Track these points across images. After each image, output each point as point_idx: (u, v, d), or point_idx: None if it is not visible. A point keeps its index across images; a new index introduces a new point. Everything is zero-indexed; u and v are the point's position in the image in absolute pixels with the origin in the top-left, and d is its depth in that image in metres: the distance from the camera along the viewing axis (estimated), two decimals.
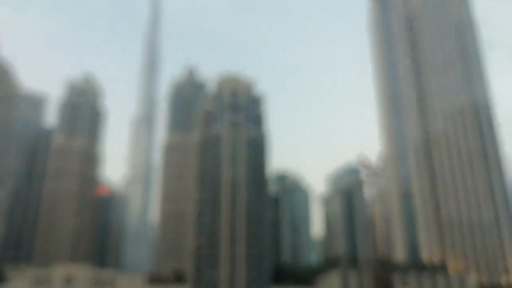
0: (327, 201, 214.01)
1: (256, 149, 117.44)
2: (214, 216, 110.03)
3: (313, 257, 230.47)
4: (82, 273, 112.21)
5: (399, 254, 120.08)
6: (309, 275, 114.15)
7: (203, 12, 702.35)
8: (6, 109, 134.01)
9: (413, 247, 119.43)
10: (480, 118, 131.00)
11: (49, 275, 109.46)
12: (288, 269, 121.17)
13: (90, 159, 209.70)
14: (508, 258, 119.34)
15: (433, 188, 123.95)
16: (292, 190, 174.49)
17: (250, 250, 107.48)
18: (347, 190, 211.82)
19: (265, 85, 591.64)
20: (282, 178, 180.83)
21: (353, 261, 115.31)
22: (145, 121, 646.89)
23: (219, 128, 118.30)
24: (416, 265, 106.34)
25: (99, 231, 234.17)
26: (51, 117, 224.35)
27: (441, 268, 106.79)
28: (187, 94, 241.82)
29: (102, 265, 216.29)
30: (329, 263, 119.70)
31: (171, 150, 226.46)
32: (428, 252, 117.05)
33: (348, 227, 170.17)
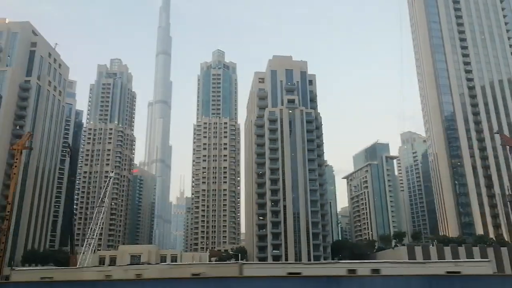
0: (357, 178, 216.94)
1: (312, 129, 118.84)
2: (275, 195, 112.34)
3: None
4: (148, 250, 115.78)
5: (452, 230, 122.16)
6: (365, 250, 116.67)
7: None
8: (60, 96, 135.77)
9: (467, 223, 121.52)
10: None
11: (118, 255, 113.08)
12: (343, 244, 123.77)
13: (126, 141, 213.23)
14: None
15: (485, 164, 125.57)
16: None
17: (310, 227, 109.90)
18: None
19: None
20: None
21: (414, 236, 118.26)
22: (162, 103, 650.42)
23: (276, 109, 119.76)
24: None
25: (132, 211, 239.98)
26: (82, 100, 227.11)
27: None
28: (217, 77, 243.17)
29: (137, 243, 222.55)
30: (383, 239, 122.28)
31: (201, 131, 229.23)
32: (481, 228, 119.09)
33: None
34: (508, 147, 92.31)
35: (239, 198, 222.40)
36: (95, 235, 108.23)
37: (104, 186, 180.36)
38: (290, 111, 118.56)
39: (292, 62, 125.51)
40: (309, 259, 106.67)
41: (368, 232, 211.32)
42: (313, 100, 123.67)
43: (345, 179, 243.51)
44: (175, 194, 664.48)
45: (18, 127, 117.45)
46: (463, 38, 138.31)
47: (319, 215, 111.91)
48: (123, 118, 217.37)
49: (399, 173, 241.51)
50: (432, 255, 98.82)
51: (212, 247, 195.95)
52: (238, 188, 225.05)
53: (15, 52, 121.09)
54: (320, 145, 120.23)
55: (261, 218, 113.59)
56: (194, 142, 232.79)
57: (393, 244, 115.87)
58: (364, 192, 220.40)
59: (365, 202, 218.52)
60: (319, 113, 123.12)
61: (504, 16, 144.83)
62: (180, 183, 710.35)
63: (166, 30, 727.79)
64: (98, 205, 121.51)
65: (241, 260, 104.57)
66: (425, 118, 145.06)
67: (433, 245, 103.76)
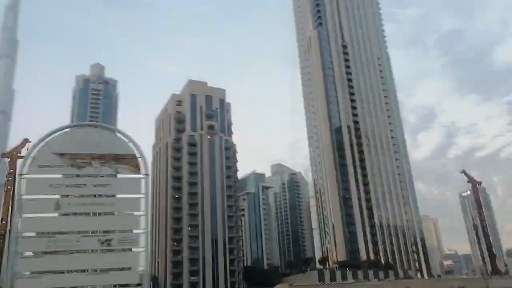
0: None
1: (230, 156, 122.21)
2: (194, 220, 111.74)
3: None
4: None
5: (340, 256, 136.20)
6: (273, 275, 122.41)
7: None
8: None
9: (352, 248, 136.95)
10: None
11: None
12: (253, 270, 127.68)
13: None
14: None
15: (367, 199, 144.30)
16: None
17: (228, 253, 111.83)
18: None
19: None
20: None
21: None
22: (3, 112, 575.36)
23: (196, 133, 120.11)
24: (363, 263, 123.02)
25: None
26: None
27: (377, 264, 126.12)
28: (97, 92, 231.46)
29: None
30: (288, 265, 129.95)
31: None
32: (365, 252, 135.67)
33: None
34: None
35: None
36: None
37: None
38: (209, 137, 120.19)
39: (211, 89, 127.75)
40: (226, 286, 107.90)
41: (243, 260, 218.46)
42: (229, 128, 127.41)
43: None
44: None
45: None
46: (351, 86, 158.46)
47: (235, 241, 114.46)
48: None
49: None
50: (338, 278, 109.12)
51: None
52: None
53: None
54: (235, 173, 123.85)
55: (175, 244, 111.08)
56: None
57: (301, 269, 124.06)
58: (241, 219, 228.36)
59: (242, 230, 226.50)
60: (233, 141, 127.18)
61: (381, 71, 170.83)
62: None
63: (12, 31, 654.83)
64: None
65: None
66: (313, 156, 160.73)
67: (337, 269, 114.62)
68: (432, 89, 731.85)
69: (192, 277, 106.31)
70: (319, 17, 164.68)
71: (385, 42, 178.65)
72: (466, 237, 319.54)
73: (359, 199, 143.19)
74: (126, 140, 61.09)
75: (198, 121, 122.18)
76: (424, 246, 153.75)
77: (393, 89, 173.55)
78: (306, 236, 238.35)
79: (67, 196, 56.43)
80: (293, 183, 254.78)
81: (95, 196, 57.78)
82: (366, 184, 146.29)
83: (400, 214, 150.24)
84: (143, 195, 58.17)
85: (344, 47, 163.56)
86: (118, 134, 63.36)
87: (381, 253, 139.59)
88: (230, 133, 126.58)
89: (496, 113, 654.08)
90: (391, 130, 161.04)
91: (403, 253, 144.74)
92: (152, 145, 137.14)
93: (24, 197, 53.43)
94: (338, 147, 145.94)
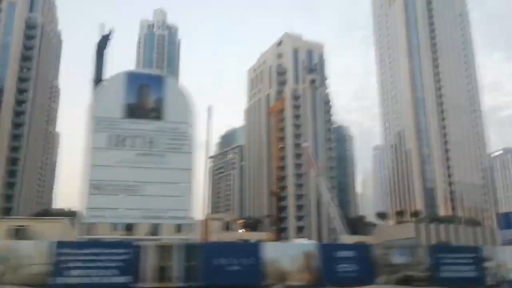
0: None
1: (329, 110, 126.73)
2: (299, 169, 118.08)
3: None
4: None
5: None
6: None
7: None
8: None
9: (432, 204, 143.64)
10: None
11: None
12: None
13: None
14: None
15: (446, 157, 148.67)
16: None
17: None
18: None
19: None
20: None
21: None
22: None
23: (299, 86, 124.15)
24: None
25: None
26: None
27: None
28: (162, 38, 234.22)
29: None
30: (380, 216, 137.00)
31: None
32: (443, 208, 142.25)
33: None
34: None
35: None
36: None
37: None
38: (313, 92, 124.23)
39: (312, 43, 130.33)
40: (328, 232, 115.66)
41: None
42: (325, 82, 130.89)
43: None
44: None
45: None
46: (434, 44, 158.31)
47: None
48: None
49: None
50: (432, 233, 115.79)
51: None
52: None
53: None
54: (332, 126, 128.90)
55: (279, 190, 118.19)
56: None
57: (393, 220, 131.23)
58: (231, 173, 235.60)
59: None
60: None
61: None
62: None
63: None
64: None
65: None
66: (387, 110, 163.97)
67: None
68: None
69: (298, 222, 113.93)
70: None
71: None
72: None
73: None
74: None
75: (300, 75, 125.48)
76: None
77: (471, 49, 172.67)
78: None
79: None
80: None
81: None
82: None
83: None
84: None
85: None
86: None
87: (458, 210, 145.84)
88: (326, 87, 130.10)
89: None
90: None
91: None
92: (249, 96, 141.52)
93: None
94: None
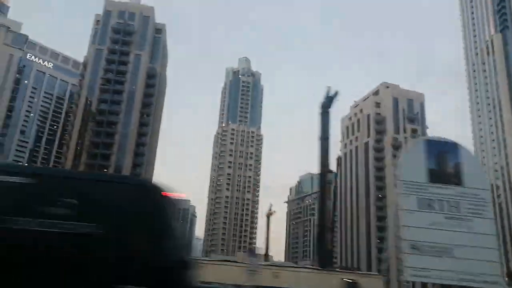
0: None
1: None
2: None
3: None
4: None
5: None
6: None
7: None
8: None
9: None
10: None
11: None
12: None
13: None
14: None
15: None
16: None
17: None
18: None
19: None
20: None
21: None
22: None
23: (399, 136, 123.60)
24: None
25: None
26: None
27: None
28: (247, 84, 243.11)
29: None
30: None
31: (228, 137, 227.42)
32: None
33: None
34: None
35: (257, 208, 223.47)
36: None
37: None
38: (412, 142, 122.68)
39: (412, 92, 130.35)
40: None
41: None
42: (425, 132, 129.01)
43: None
44: None
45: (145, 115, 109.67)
46: None
47: None
48: None
49: None
50: None
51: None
52: (257, 198, 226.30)
53: (147, 36, 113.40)
54: None
55: (379, 241, 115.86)
56: (218, 147, 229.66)
57: None
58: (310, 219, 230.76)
59: None
60: None
61: None
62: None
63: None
64: None
65: None
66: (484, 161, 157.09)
67: None
68: None
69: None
70: (505, 20, 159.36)
71: None
72: None
73: None
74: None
75: (401, 124, 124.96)
76: None
77: None
78: None
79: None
80: None
81: None
82: None
83: None
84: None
85: None
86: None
87: None
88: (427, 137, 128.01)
89: None
90: None
91: None
92: (343, 143, 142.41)
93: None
94: None
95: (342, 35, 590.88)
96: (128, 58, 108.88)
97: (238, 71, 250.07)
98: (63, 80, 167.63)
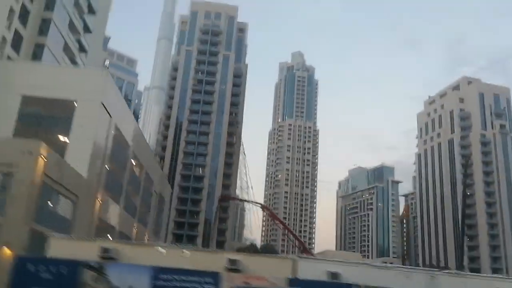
0: None
1: None
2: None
3: None
4: None
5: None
6: None
7: None
8: None
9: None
10: None
11: None
12: None
13: None
14: None
15: None
16: None
17: None
18: None
19: None
20: None
21: None
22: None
23: (486, 132, 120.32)
24: None
25: None
26: None
27: None
28: (302, 79, 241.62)
29: None
30: None
31: (285, 132, 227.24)
32: None
33: None
34: None
35: (315, 203, 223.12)
36: None
37: None
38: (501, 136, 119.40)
39: (497, 87, 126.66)
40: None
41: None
42: None
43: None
44: None
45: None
46: None
47: None
48: None
49: None
50: None
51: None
52: (315, 193, 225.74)
53: (233, 36, 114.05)
54: None
55: (468, 239, 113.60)
56: (274, 143, 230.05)
57: None
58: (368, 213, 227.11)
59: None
60: None
61: None
62: None
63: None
64: None
65: None
66: None
67: None
68: None
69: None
70: None
71: None
72: None
73: None
74: None
75: (489, 120, 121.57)
76: None
77: None
78: None
79: None
80: None
81: None
82: None
83: None
84: None
85: None
86: None
87: None
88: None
89: None
90: None
91: None
92: (421, 140, 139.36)
93: None
94: None
95: None
96: (217, 58, 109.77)
97: (293, 66, 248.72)
98: (119, 78, 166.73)
